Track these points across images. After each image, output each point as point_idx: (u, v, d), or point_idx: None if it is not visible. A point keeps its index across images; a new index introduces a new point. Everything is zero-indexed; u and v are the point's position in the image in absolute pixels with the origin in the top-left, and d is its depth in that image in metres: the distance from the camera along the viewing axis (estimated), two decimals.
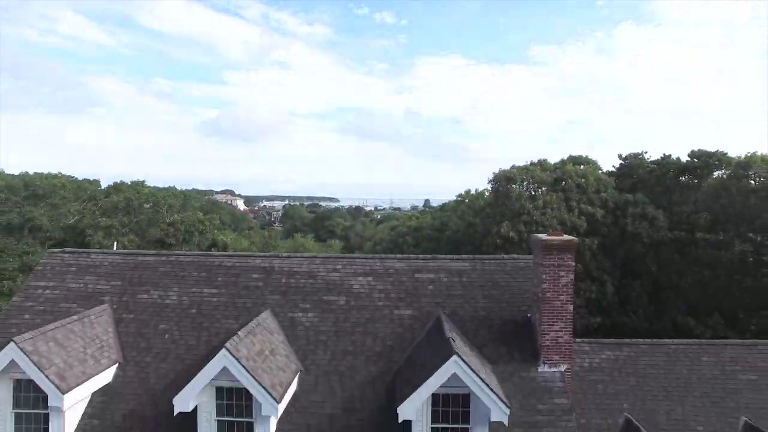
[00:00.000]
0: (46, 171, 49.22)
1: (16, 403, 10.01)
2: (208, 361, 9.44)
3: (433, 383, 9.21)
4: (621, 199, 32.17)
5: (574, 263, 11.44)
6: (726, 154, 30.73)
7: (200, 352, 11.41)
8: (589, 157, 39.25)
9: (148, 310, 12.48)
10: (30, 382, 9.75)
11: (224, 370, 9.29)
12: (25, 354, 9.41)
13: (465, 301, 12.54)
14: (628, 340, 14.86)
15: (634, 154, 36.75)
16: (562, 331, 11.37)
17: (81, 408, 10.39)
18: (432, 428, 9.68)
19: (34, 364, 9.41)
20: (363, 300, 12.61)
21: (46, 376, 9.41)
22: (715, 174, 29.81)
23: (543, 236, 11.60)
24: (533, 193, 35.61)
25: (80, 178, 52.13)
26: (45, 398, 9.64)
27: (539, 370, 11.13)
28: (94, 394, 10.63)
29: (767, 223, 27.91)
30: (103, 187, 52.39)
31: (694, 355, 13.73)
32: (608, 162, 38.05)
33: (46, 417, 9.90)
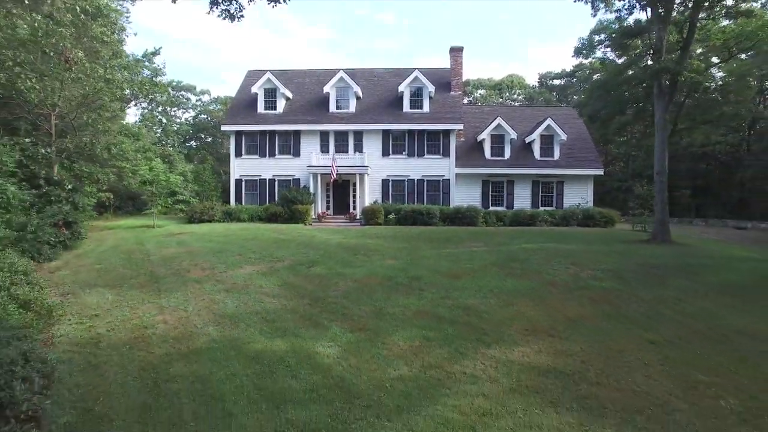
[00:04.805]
0: None
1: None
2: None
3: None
4: (534, 92, 51.54)
5: (462, 59, 30.49)
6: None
7: None
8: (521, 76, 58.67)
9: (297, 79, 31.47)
10: (272, 89, 28.63)
11: (340, 79, 28.21)
12: (273, 76, 28.33)
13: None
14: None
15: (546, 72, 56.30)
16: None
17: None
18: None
19: (277, 79, 28.35)
20: (382, 78, 31.69)
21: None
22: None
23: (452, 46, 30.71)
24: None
25: None
26: (276, 93, 28.54)
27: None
28: None
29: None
30: None
31: None
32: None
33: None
